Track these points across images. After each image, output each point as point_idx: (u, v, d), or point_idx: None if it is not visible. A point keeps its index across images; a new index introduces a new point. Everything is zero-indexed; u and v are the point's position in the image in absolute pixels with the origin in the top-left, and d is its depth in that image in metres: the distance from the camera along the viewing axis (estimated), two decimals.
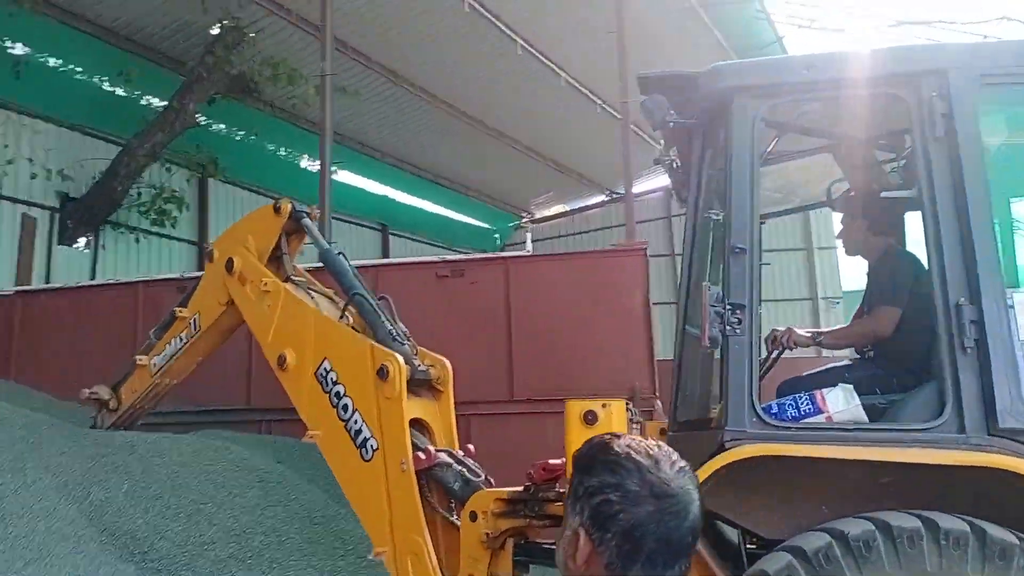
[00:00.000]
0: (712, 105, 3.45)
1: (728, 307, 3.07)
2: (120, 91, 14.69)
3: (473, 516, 3.59)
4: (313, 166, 19.51)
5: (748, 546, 3.31)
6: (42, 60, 13.66)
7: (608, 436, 1.40)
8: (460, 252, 19.98)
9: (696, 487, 1.37)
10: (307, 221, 4.90)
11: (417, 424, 3.98)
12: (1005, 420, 2.80)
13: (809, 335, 3.86)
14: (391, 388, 3.82)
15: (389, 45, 16.09)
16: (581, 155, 22.22)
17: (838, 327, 4.13)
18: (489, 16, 15.33)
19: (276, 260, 4.90)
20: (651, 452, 1.36)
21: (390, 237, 21.88)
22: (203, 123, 15.24)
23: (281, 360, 4.27)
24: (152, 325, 5.79)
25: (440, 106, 18.48)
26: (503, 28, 15.82)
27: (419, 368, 4.07)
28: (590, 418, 3.04)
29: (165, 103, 14.17)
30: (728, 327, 3.07)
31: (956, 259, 3.00)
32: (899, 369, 3.46)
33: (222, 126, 16.72)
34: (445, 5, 14.69)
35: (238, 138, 17.08)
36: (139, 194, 14.81)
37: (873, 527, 2.72)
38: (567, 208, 26.49)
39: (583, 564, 1.34)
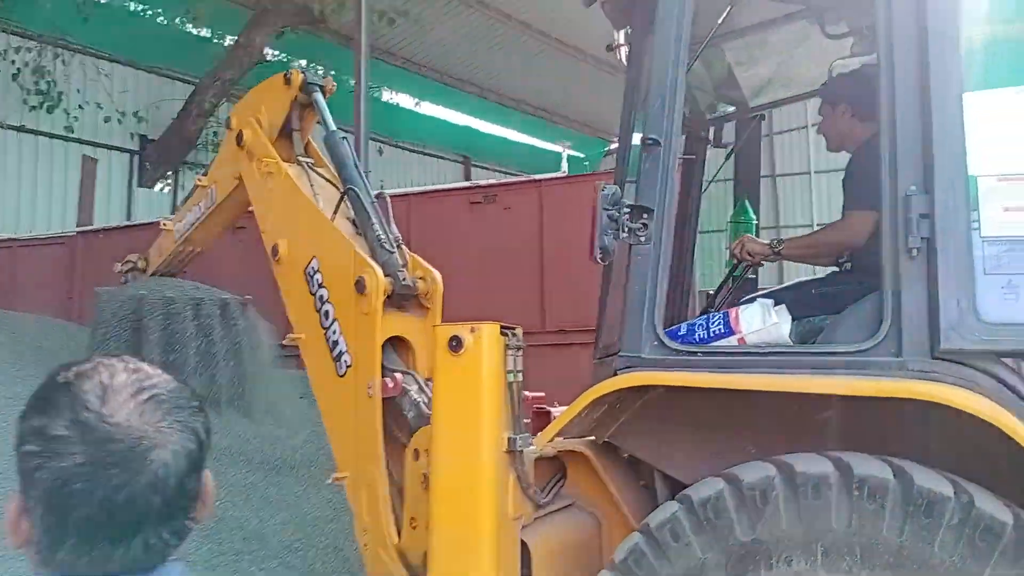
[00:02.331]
0: None
1: (626, 211, 2.55)
2: (193, 30, 14.82)
3: (416, 454, 3.24)
4: (392, 97, 19.35)
5: None
6: (112, 1, 13.89)
7: (73, 362, 1.00)
8: None
9: (184, 427, 0.96)
10: (318, 96, 4.36)
11: (400, 343, 3.62)
12: (950, 339, 2.17)
13: (767, 245, 3.25)
14: (367, 303, 3.41)
15: None
16: None
17: (804, 235, 3.49)
18: None
19: (287, 136, 4.43)
20: (108, 380, 0.95)
21: (472, 169, 21.53)
22: (274, 57, 15.22)
23: (275, 251, 3.90)
24: None
25: (518, 28, 17.79)
26: None
27: (403, 281, 3.56)
28: (454, 344, 2.62)
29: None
30: (629, 234, 2.56)
31: (911, 140, 2.36)
32: (877, 283, 2.85)
33: (300, 60, 16.69)
34: None
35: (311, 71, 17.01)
36: (214, 133, 15.05)
37: (774, 472, 2.20)
38: None
39: (19, 536, 0.96)
